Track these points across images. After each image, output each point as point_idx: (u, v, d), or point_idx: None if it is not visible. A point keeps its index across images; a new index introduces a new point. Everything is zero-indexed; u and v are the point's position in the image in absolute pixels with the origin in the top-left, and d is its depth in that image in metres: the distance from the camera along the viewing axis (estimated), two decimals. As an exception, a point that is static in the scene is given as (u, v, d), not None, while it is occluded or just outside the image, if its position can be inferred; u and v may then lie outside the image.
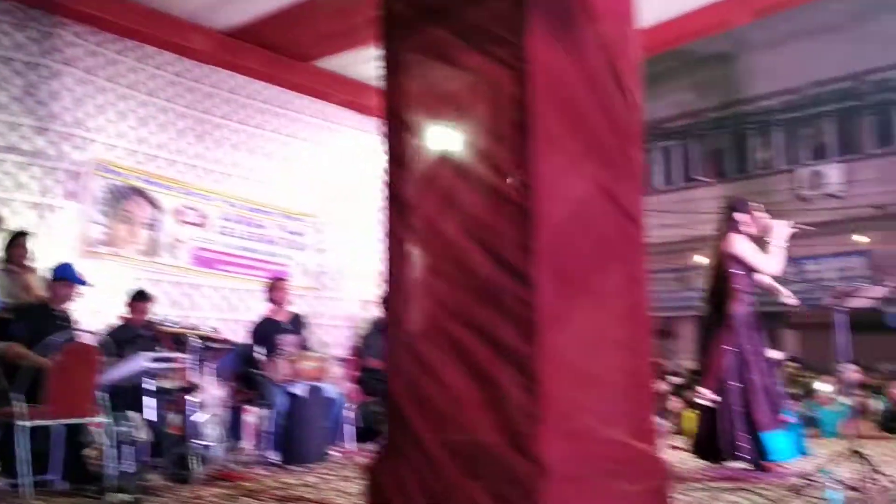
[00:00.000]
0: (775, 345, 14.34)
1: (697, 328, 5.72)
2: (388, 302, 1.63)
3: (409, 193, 1.64)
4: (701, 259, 16.49)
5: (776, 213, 14.64)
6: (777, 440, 5.14)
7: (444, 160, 1.62)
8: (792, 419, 5.18)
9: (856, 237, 14.74)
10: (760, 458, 5.13)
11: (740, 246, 5.39)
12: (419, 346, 1.57)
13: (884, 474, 4.38)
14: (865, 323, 13.70)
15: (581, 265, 1.59)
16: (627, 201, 1.69)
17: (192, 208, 8.14)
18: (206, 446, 6.43)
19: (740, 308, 5.38)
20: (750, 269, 5.32)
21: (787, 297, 5.67)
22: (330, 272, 8.89)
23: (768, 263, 5.31)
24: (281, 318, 6.82)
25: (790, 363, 10.46)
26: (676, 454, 5.47)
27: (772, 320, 16.05)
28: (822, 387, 8.54)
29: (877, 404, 8.19)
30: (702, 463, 5.46)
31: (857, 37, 14.16)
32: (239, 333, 7.18)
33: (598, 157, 1.65)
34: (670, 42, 8.71)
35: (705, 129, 17.25)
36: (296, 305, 8.44)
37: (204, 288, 8.22)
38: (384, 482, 1.54)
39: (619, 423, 1.57)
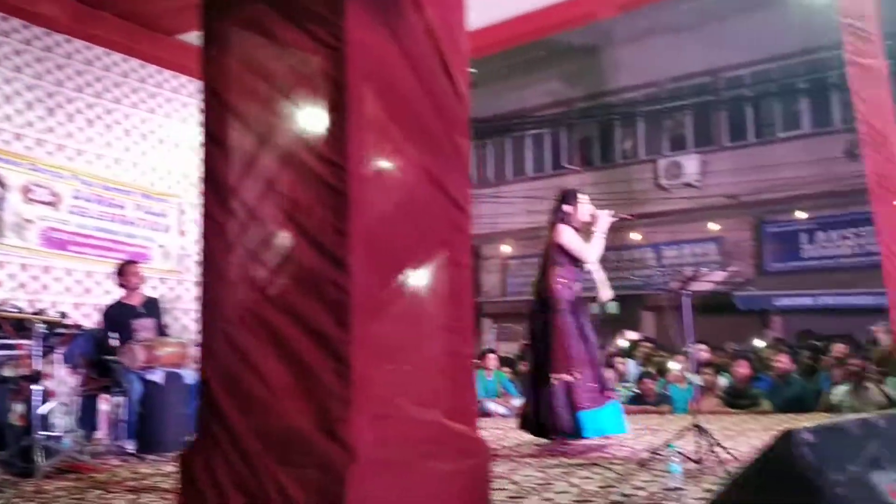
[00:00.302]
0: (633, 326, 15.07)
1: (528, 313, 5.92)
2: (204, 287, 1.57)
3: (228, 175, 1.59)
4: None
5: (639, 202, 15.27)
6: (596, 418, 5.51)
7: (265, 142, 1.58)
8: (613, 397, 5.57)
9: (710, 225, 15.65)
10: (579, 435, 5.48)
11: (564, 236, 5.72)
12: (234, 333, 1.53)
13: (723, 447, 4.69)
14: (716, 305, 14.58)
15: (402, 250, 1.59)
16: (453, 187, 1.71)
17: (41, 186, 7.68)
18: (53, 437, 6.10)
19: (565, 293, 5.70)
20: (574, 258, 5.64)
21: (605, 290, 5.97)
22: (193, 255, 8.58)
23: (587, 252, 5.65)
24: (134, 302, 6.56)
25: (645, 343, 11.02)
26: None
27: (630, 303, 16.85)
28: (674, 366, 9.01)
29: (722, 382, 8.70)
30: (532, 438, 5.76)
31: (712, 36, 14.97)
32: (94, 318, 6.84)
33: (422, 142, 1.65)
34: (537, 32, 8.93)
35: (574, 118, 17.79)
36: (156, 289, 8.13)
37: (56, 270, 7.78)
38: (196, 471, 1.50)
39: (437, 405, 1.60)
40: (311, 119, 1.54)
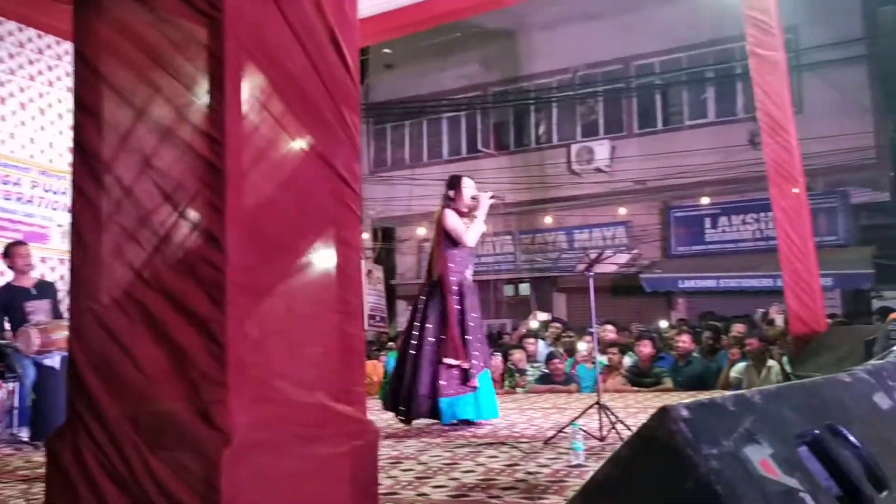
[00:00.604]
0: (545, 308, 15.33)
1: (418, 295, 6.01)
2: (74, 266, 1.50)
3: (102, 148, 1.51)
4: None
5: (553, 186, 15.54)
6: (458, 404, 5.68)
7: (140, 114, 1.50)
8: (475, 386, 5.72)
9: (620, 209, 16.05)
10: (439, 419, 5.65)
11: (448, 220, 5.86)
12: (107, 314, 1.46)
13: (625, 425, 4.84)
14: (625, 287, 14.98)
15: (285, 228, 1.55)
16: (341, 163, 1.67)
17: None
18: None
19: (451, 277, 5.86)
20: (457, 243, 5.79)
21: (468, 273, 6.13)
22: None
23: (466, 236, 5.81)
24: (26, 284, 6.30)
25: (555, 324, 11.23)
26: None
27: (542, 285, 17.12)
28: (582, 346, 9.22)
29: (628, 361, 8.95)
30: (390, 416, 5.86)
31: (625, 24, 15.28)
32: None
33: (308, 117, 1.60)
34: (450, 14, 8.91)
35: (490, 102, 17.90)
36: (55, 271, 7.78)
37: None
38: (64, 458, 1.43)
39: (323, 387, 1.56)
40: (189, 91, 1.47)
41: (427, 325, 5.67)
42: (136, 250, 1.47)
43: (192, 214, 1.42)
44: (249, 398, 1.38)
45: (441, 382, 5.54)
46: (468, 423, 5.66)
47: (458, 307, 5.69)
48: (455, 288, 5.75)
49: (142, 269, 1.46)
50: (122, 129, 1.51)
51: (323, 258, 1.62)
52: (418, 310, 5.81)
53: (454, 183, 5.99)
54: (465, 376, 5.58)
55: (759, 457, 1.61)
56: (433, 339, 5.62)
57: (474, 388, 5.64)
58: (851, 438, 1.97)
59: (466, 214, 5.87)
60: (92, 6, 1.54)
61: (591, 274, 5.52)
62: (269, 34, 1.50)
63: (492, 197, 5.95)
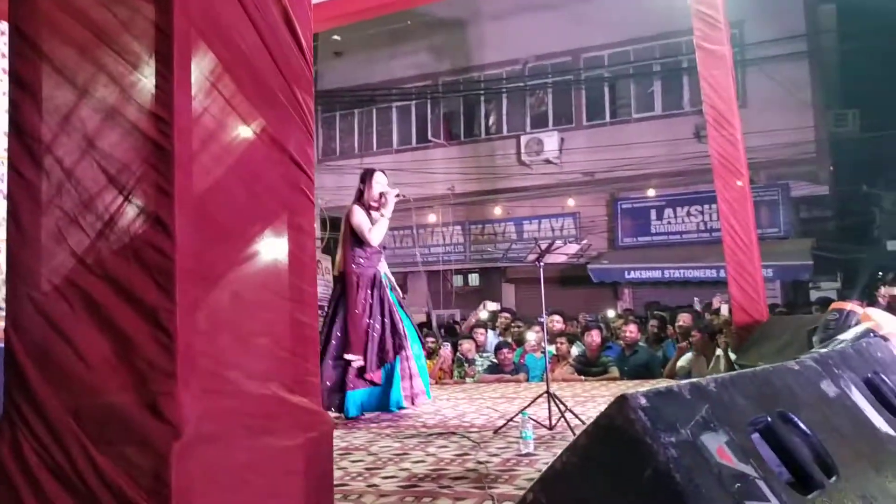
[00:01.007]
0: (494, 298, 15.35)
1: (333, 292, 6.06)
2: (11, 252, 1.42)
3: (40, 128, 1.43)
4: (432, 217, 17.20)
5: (502, 177, 15.50)
6: (355, 397, 5.76)
7: (83, 93, 1.43)
8: (377, 382, 5.74)
9: (569, 200, 16.18)
10: (344, 413, 5.71)
11: (354, 216, 5.85)
12: (47, 302, 1.39)
13: (574, 413, 4.87)
14: (573, 278, 15.06)
15: (236, 212, 1.49)
16: (294, 146, 1.61)
17: None
18: None
19: (359, 272, 5.86)
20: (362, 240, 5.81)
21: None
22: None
23: (370, 234, 5.81)
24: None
25: (504, 314, 11.27)
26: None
27: (491, 275, 17.17)
28: (530, 336, 9.27)
29: (575, 351, 9.02)
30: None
31: (574, 16, 15.36)
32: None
33: (260, 98, 1.54)
34: (396, 3, 8.82)
35: (440, 92, 17.84)
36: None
37: None
38: (1, 454, 1.36)
39: (275, 377, 1.51)
40: (135, 70, 1.40)
41: (335, 321, 5.71)
42: (78, 235, 1.40)
43: (139, 198, 1.35)
44: (199, 389, 1.32)
45: (348, 377, 5.59)
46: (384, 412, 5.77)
47: (364, 301, 5.70)
48: (365, 281, 5.75)
49: (84, 255, 1.39)
50: (64, 109, 1.43)
51: (275, 245, 1.56)
52: (329, 305, 5.88)
53: (364, 177, 5.96)
54: (363, 371, 5.62)
55: (716, 444, 1.62)
56: (339, 335, 5.66)
57: (374, 383, 5.70)
58: (801, 425, 2.00)
59: (375, 209, 5.83)
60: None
61: (542, 264, 5.56)
62: (221, 11, 1.44)
63: (397, 195, 5.92)
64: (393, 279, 6.13)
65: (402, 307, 6.07)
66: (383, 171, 6.09)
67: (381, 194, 5.80)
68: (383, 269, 5.93)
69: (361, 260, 5.72)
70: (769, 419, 1.90)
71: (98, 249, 1.39)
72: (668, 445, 1.48)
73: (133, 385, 1.32)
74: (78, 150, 1.43)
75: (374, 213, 5.76)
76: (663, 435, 1.49)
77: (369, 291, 5.72)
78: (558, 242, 5.83)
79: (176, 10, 1.35)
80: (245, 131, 1.51)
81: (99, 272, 1.38)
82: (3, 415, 1.40)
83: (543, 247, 5.58)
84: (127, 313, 1.34)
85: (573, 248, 6.22)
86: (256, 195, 1.54)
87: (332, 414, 5.70)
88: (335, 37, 17.26)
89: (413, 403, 5.85)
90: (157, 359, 1.31)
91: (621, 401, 1.52)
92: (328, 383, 5.54)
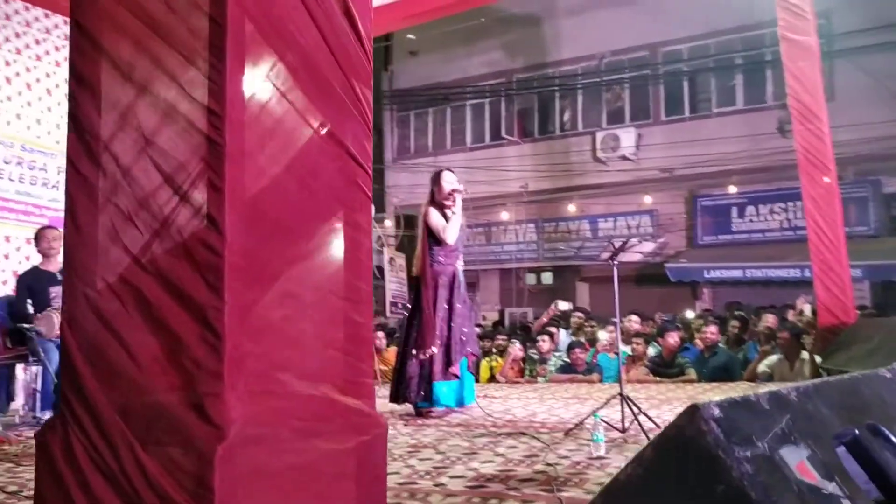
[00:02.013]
0: (568, 297, 15.16)
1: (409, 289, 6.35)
2: (69, 250, 1.41)
3: (100, 125, 1.43)
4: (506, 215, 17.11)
5: (577, 174, 15.32)
6: (441, 388, 5.82)
7: (141, 89, 1.41)
8: (457, 375, 5.78)
9: (645, 198, 15.83)
10: (430, 403, 5.78)
11: (431, 217, 5.95)
12: (102, 300, 1.38)
13: (647, 416, 4.73)
14: (650, 277, 14.75)
15: (291, 209, 1.45)
16: (352, 141, 1.57)
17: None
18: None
19: (437, 269, 5.97)
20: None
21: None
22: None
23: (445, 232, 5.91)
24: (52, 268, 6.33)
25: (577, 313, 11.10)
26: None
27: (565, 274, 16.97)
28: (603, 335, 9.11)
29: (652, 352, 8.82)
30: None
31: (652, 10, 15.01)
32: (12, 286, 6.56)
33: (318, 91, 1.50)
34: (470, 1, 8.77)
35: (514, 89, 17.71)
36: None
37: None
38: (53, 451, 1.35)
39: (328, 378, 1.47)
40: (189, 63, 1.38)
41: (416, 316, 5.83)
42: (133, 233, 1.38)
43: (192, 194, 1.33)
44: (247, 391, 1.29)
45: (434, 369, 5.67)
46: (449, 409, 5.81)
47: (445, 298, 5.82)
48: (444, 280, 5.87)
49: (138, 253, 1.37)
50: (122, 105, 1.42)
51: (330, 242, 1.52)
52: (411, 302, 6.03)
53: (435, 177, 6.08)
54: (448, 364, 5.70)
55: (796, 459, 1.49)
56: (420, 330, 5.77)
57: (457, 376, 5.76)
58: (893, 439, 1.84)
59: (448, 208, 5.94)
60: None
61: (615, 263, 5.45)
62: (277, 7, 1.40)
63: (458, 191, 6.05)
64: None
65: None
66: (451, 170, 6.15)
67: (452, 192, 5.87)
68: (460, 267, 6.00)
69: (441, 258, 5.83)
70: (857, 432, 1.76)
71: (151, 247, 1.38)
72: (743, 460, 1.36)
73: (180, 385, 1.29)
74: (135, 147, 1.42)
75: (447, 212, 5.84)
76: (738, 448, 1.37)
77: (448, 289, 5.81)
78: (633, 240, 5.69)
79: (230, 2, 1.32)
80: (302, 126, 1.47)
81: (151, 270, 1.36)
82: (57, 410, 1.40)
83: (617, 245, 5.47)
84: (177, 312, 1.32)
85: (649, 246, 6.06)
86: (312, 191, 1.50)
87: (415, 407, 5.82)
88: (409, 36, 17.32)
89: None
90: (204, 359, 1.28)
91: (693, 410, 1.41)
92: (413, 376, 5.67)
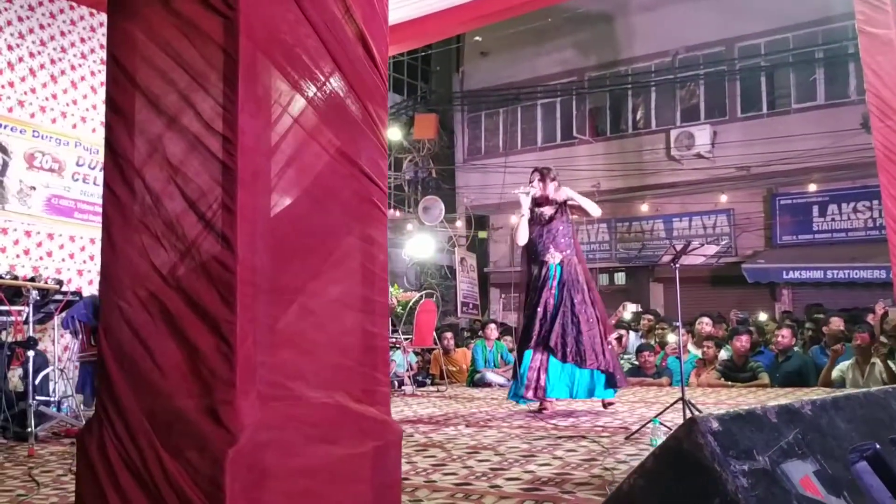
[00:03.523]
0: (641, 298, 14.94)
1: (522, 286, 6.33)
2: (105, 265, 1.54)
3: (132, 151, 1.55)
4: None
5: (650, 173, 15.10)
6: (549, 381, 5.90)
7: (169, 119, 1.53)
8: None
9: (721, 197, 15.45)
10: (546, 391, 5.86)
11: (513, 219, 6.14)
12: (133, 312, 1.50)
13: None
14: (726, 278, 14.38)
15: (306, 228, 1.55)
16: (366, 160, 1.65)
17: (44, 153, 7.74)
18: (50, 403, 6.20)
19: (525, 269, 6.11)
20: (535, 232, 6.00)
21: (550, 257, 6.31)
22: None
23: (516, 237, 6.11)
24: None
25: (647, 315, 10.95)
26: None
27: (638, 275, 16.72)
28: (672, 338, 8.97)
29: (724, 355, 8.65)
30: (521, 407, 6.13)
31: (728, 5, 14.64)
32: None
33: (331, 116, 1.59)
34: (538, 1, 8.77)
35: (586, 87, 17.54)
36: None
37: (60, 237, 7.87)
38: (90, 450, 1.48)
39: (342, 387, 1.56)
40: (207, 93, 1.48)
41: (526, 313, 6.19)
42: (160, 252, 1.50)
43: (206, 213, 1.44)
44: (260, 398, 1.39)
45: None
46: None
47: (537, 296, 6.01)
48: (538, 278, 6.05)
49: (165, 270, 1.49)
50: (152, 133, 1.54)
51: (345, 257, 1.61)
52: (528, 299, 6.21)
53: (543, 175, 6.37)
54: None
55: (801, 473, 1.49)
56: (526, 326, 6.13)
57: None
58: (921, 454, 1.80)
59: (544, 204, 6.12)
60: (126, 10, 1.57)
61: (677, 266, 5.40)
62: (289, 32, 1.49)
63: (522, 190, 6.24)
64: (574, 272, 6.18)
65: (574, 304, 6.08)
66: (535, 169, 6.45)
67: (556, 188, 6.27)
68: (555, 260, 6.04)
69: (531, 256, 6.06)
70: (878, 446, 1.73)
71: (176, 265, 1.49)
72: (740, 474, 1.38)
73: (198, 392, 1.40)
74: (162, 173, 1.53)
75: (546, 208, 6.13)
76: (734, 462, 1.39)
77: (539, 287, 5.95)
78: (694, 243, 5.61)
79: (241, 32, 1.42)
80: (315, 148, 1.56)
81: (175, 286, 1.47)
82: (94, 415, 1.52)
83: (679, 248, 5.41)
84: (196, 324, 1.43)
85: (711, 248, 5.97)
86: (327, 210, 1.59)
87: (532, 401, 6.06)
88: (476, 38, 17.38)
89: (535, 396, 5.90)
90: (218, 367, 1.38)
91: (691, 424, 1.43)
92: (530, 371, 5.86)
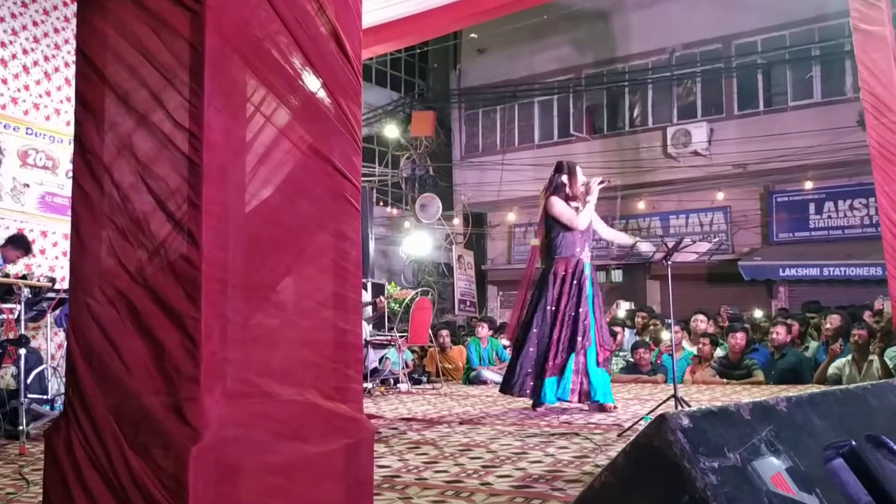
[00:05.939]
0: (637, 295, 14.94)
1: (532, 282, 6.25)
2: (73, 262, 1.53)
3: (102, 150, 1.54)
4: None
5: (647, 170, 15.10)
6: (552, 384, 5.86)
7: (137, 116, 1.52)
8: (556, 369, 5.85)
9: (718, 194, 15.45)
10: (540, 398, 5.83)
11: (556, 207, 5.98)
12: (100, 309, 1.49)
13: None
14: (722, 275, 14.38)
15: (276, 224, 1.54)
16: (339, 156, 1.64)
17: (38, 150, 7.72)
18: (42, 401, 6.18)
19: (557, 264, 6.03)
20: (567, 227, 5.86)
21: (625, 239, 6.36)
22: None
23: (577, 220, 5.93)
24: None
25: (641, 313, 10.94)
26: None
27: (635, 272, 16.71)
28: (666, 335, 8.97)
29: (720, 353, 8.65)
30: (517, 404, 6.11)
31: (724, 2, 14.62)
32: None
33: (302, 111, 1.58)
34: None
35: (583, 85, 17.52)
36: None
37: (53, 235, 7.85)
38: (57, 449, 1.47)
39: (312, 384, 1.55)
40: (174, 88, 1.47)
41: (537, 310, 5.99)
42: (128, 248, 1.49)
43: (172, 209, 1.43)
44: (225, 396, 1.38)
45: (547, 364, 5.79)
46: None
47: (563, 293, 5.90)
48: (565, 274, 5.92)
49: (132, 267, 1.48)
50: (121, 129, 1.53)
51: (318, 254, 1.60)
52: (532, 295, 6.15)
53: (571, 170, 6.25)
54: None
55: (772, 471, 1.48)
56: (540, 323, 5.95)
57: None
58: (896, 450, 1.79)
59: (574, 199, 6.11)
60: (94, 4, 1.55)
61: (669, 263, 5.43)
62: (259, 27, 1.48)
63: (601, 182, 6.20)
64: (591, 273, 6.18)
65: (593, 301, 6.06)
66: (565, 164, 6.34)
67: (585, 184, 6.10)
68: (586, 257, 6.03)
69: (560, 250, 5.96)
70: (853, 442, 1.72)
71: (141, 259, 1.48)
72: (709, 471, 1.37)
73: (163, 389, 1.39)
74: (131, 169, 1.52)
75: (572, 203, 6.03)
76: (704, 459, 1.38)
77: (565, 283, 5.90)
78: (686, 241, 5.61)
79: (208, 26, 1.41)
80: (285, 144, 1.55)
81: (142, 282, 1.46)
82: (62, 412, 1.51)
83: (670, 245, 5.42)
84: (162, 321, 1.42)
85: (703, 246, 5.96)
86: (297, 206, 1.58)
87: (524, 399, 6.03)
88: (472, 35, 17.35)
89: (579, 400, 5.84)
90: (183, 364, 1.38)
91: (661, 420, 1.43)
92: (529, 370, 5.81)
